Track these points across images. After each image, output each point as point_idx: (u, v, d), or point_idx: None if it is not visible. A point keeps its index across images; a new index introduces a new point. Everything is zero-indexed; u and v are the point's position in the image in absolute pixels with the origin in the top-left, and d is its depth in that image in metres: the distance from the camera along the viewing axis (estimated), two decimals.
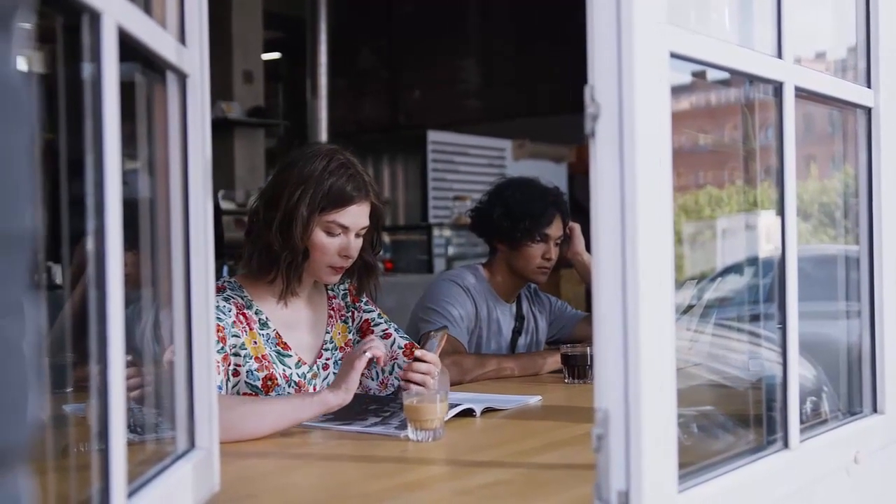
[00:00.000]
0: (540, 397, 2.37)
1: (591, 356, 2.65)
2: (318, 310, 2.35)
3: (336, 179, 2.17)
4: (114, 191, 1.02)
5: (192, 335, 1.38)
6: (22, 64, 0.57)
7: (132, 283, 1.21)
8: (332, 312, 2.38)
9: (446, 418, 1.94)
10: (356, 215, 2.21)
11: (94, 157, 1.00)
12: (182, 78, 1.35)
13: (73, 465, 1.30)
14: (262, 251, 2.20)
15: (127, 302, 1.06)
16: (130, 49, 1.11)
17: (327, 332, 2.34)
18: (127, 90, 1.08)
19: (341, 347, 2.36)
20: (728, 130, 2.11)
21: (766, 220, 1.91)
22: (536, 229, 2.98)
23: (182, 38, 1.35)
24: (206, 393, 1.39)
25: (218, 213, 4.06)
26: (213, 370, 1.42)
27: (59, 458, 1.24)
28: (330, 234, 2.19)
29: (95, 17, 0.99)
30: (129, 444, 1.07)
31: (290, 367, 2.22)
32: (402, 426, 1.91)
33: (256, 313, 2.22)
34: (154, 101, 1.34)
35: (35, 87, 0.59)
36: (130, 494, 1.09)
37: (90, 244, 1.03)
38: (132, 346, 1.18)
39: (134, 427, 1.34)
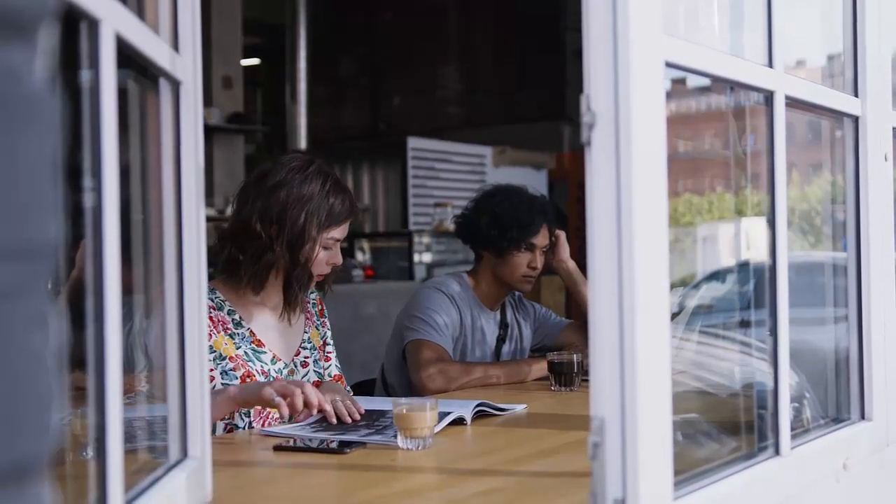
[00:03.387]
0: (526, 405, 2.37)
1: (578, 363, 2.66)
2: (294, 318, 2.41)
3: (334, 199, 2.28)
4: (111, 198, 1.01)
5: (185, 344, 1.37)
6: (46, 72, 0.57)
7: (122, 289, 1.20)
8: (308, 315, 2.46)
9: (439, 428, 1.94)
10: (347, 228, 2.35)
11: (91, 164, 1.00)
12: (175, 85, 1.34)
13: (63, 474, 1.29)
14: (266, 268, 2.25)
15: None
16: (125, 56, 1.11)
17: (305, 332, 2.43)
18: (119, 97, 1.07)
19: (319, 348, 2.45)
20: (708, 138, 2.12)
21: (747, 227, 1.92)
22: (523, 238, 2.98)
23: (175, 45, 1.34)
24: (199, 402, 1.38)
25: None
26: (205, 380, 1.41)
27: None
28: (326, 248, 2.30)
29: (94, 25, 0.98)
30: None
31: (266, 364, 2.28)
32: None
33: (229, 314, 2.28)
34: (146, 108, 1.34)
35: (58, 96, 0.58)
36: None
37: (85, 252, 1.02)
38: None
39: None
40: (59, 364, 0.59)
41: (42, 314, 0.55)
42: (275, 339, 2.33)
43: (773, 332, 1.54)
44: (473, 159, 8.43)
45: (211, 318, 2.22)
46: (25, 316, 0.54)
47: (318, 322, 2.49)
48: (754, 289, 1.80)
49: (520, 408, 2.35)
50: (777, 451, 1.52)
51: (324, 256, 2.29)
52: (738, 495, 1.40)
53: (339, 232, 2.31)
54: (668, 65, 1.24)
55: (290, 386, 1.98)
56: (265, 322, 2.33)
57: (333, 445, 1.87)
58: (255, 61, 10.05)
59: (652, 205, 1.19)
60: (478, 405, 2.19)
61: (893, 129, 1.92)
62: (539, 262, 3.02)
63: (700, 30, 1.73)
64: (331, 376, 2.41)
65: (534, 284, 3.10)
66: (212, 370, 2.18)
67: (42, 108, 0.55)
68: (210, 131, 7.42)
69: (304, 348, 2.41)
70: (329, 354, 2.51)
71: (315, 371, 2.41)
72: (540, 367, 2.82)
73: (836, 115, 1.85)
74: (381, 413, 2.18)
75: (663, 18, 1.24)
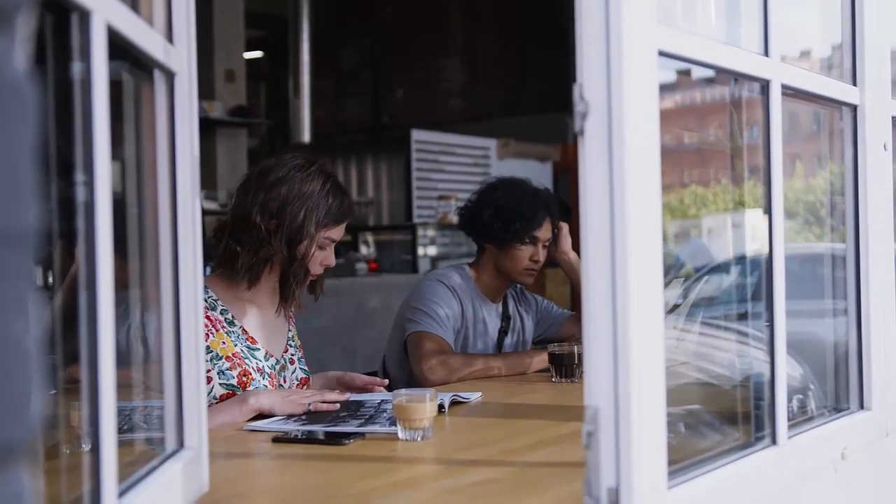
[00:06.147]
0: (480, 394, 2.39)
1: (578, 355, 2.66)
2: (279, 310, 2.44)
3: (334, 199, 2.31)
4: (104, 192, 1.01)
5: (181, 336, 1.37)
6: (24, 62, 0.57)
7: (118, 284, 1.21)
8: (291, 314, 2.49)
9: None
10: (343, 230, 2.37)
11: (83, 157, 1.00)
12: (170, 77, 1.34)
13: (60, 466, 1.29)
14: (262, 262, 2.28)
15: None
16: (118, 47, 1.11)
17: (290, 331, 2.47)
18: (113, 89, 1.07)
19: (300, 347, 2.50)
20: (713, 129, 2.12)
21: (752, 218, 1.92)
22: (526, 231, 2.98)
23: (170, 37, 1.34)
24: (195, 393, 1.39)
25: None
26: (201, 371, 1.41)
27: (45, 459, 1.24)
28: (321, 248, 2.32)
29: (85, 16, 0.98)
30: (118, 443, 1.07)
31: (260, 360, 2.31)
32: (393, 423, 1.91)
33: (222, 313, 2.30)
34: (141, 100, 1.34)
35: (36, 84, 0.59)
36: (121, 494, 1.08)
37: (78, 245, 1.02)
38: (118, 348, 1.18)
39: (120, 427, 1.33)
40: (41, 350, 0.59)
41: (23, 300, 0.55)
42: (265, 337, 2.37)
43: (770, 323, 1.54)
44: (477, 152, 8.42)
45: (208, 317, 2.23)
46: (6, 301, 0.54)
47: (294, 324, 2.54)
48: (757, 280, 1.80)
49: (474, 396, 2.37)
50: (774, 441, 1.52)
51: (318, 256, 2.32)
52: (734, 484, 1.40)
53: (336, 233, 2.33)
54: (662, 54, 1.24)
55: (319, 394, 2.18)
56: (255, 320, 2.36)
57: (330, 436, 1.88)
58: (257, 54, 10.05)
59: (645, 194, 1.19)
60: (452, 400, 2.23)
61: (893, 118, 1.91)
62: (541, 255, 3.02)
63: (697, 20, 1.73)
64: (297, 379, 2.43)
65: (537, 277, 3.10)
66: (209, 371, 2.19)
67: (21, 97, 0.55)
68: (213, 125, 7.42)
69: (291, 346, 2.45)
70: (293, 358, 2.53)
71: (301, 369, 2.46)
72: (541, 359, 2.82)
73: (835, 105, 1.84)
74: (360, 404, 2.19)
75: (658, 7, 1.24)
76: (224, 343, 2.25)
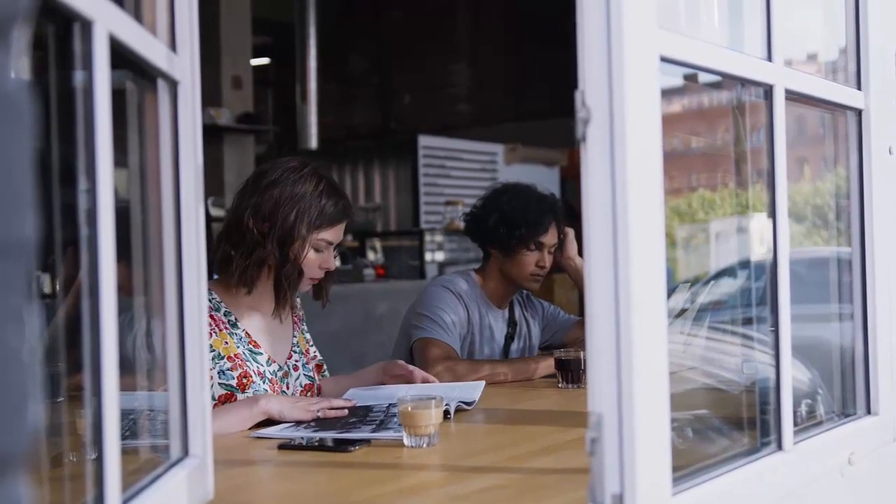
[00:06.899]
0: (483, 383, 2.41)
1: (585, 360, 2.65)
2: (284, 316, 2.44)
3: (327, 201, 2.30)
4: (106, 199, 1.01)
5: (185, 343, 1.37)
6: (21, 72, 0.57)
7: (123, 292, 1.21)
8: (295, 319, 2.49)
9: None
10: (341, 232, 2.37)
11: (86, 165, 1.00)
12: (173, 85, 1.35)
13: (65, 474, 1.30)
14: (256, 265, 2.28)
15: (118, 311, 1.06)
16: (121, 56, 1.11)
17: (294, 336, 2.46)
18: (117, 97, 1.08)
19: (305, 352, 2.48)
20: (721, 133, 2.11)
21: (759, 222, 1.92)
22: (532, 237, 2.97)
23: (173, 46, 1.35)
24: (200, 401, 1.39)
25: (207, 220, 4.13)
26: (206, 378, 1.41)
27: (51, 467, 1.24)
28: (317, 250, 2.32)
29: (87, 26, 0.99)
30: (122, 451, 1.07)
31: (262, 365, 2.31)
32: (400, 429, 1.90)
33: (225, 315, 2.31)
34: (145, 109, 1.34)
35: (33, 95, 0.59)
36: (125, 502, 1.08)
37: (83, 253, 1.02)
38: (124, 356, 1.18)
39: (124, 434, 1.34)
40: (38, 360, 0.60)
41: (18, 310, 0.56)
42: (268, 342, 2.37)
43: (776, 327, 1.53)
44: (484, 157, 8.43)
45: (212, 316, 2.24)
46: (2, 312, 0.54)
47: (302, 327, 2.53)
48: (764, 284, 1.79)
49: (479, 385, 2.41)
50: (780, 447, 1.51)
51: (315, 258, 2.31)
52: (739, 490, 1.39)
53: (331, 234, 2.32)
54: (664, 59, 1.24)
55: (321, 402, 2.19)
56: (258, 324, 2.36)
57: (336, 444, 1.88)
58: (264, 61, 10.05)
59: (647, 199, 1.19)
60: (457, 407, 2.22)
61: None
62: (547, 260, 3.02)
63: (701, 25, 1.73)
64: (301, 386, 2.44)
65: (545, 282, 3.09)
66: (210, 370, 2.19)
67: (18, 108, 0.55)
68: (220, 132, 7.42)
69: (295, 352, 2.45)
70: (313, 349, 2.55)
71: (305, 375, 2.45)
72: (547, 364, 2.82)
73: (840, 109, 1.84)
74: (368, 409, 2.19)
75: (660, 13, 1.23)
76: (227, 343, 2.26)
